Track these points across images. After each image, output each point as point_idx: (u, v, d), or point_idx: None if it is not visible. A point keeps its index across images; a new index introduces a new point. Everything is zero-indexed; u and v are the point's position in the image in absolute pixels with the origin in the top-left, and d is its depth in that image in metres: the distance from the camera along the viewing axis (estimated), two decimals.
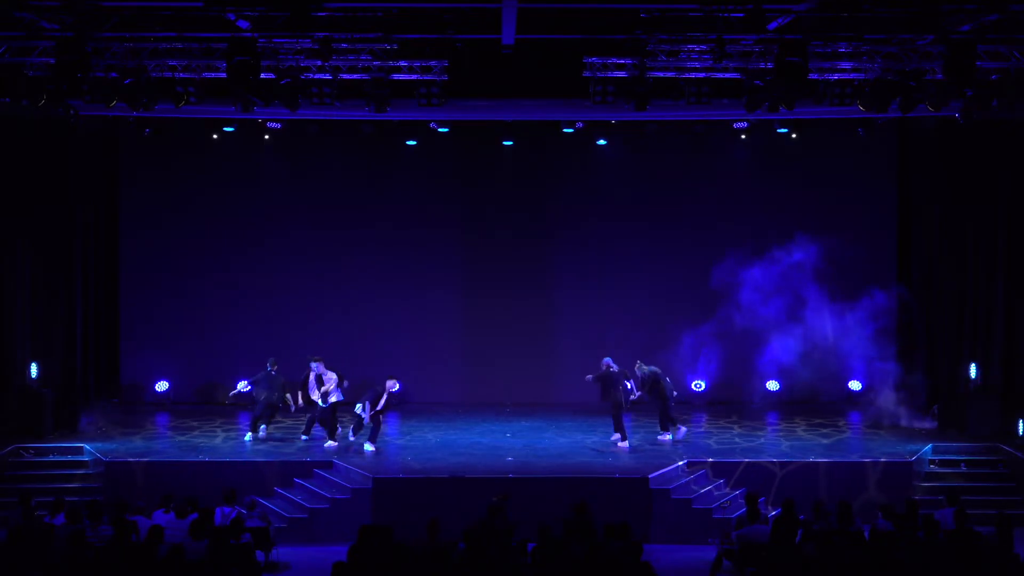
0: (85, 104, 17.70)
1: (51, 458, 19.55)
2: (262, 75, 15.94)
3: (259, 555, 15.44)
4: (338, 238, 23.85)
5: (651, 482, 17.74)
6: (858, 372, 22.09)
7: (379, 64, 17.40)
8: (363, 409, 19.33)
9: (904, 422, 21.27)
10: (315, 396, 19.99)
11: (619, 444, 19.78)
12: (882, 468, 18.67)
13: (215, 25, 15.52)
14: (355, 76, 17.71)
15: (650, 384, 19.94)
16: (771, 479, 18.51)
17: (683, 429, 20.39)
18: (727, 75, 17.54)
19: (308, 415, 20.33)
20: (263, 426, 20.34)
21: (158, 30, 15.92)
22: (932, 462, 19.41)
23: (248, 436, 20.17)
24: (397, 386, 20.07)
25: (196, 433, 20.94)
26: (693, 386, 23.65)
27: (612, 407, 19.85)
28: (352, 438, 19.77)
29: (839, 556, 12.96)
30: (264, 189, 23.82)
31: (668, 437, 20.17)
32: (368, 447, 19.34)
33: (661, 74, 17.46)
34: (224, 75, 15.95)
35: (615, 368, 19.74)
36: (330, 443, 19.77)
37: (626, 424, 19.89)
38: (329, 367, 20.03)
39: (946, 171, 22.08)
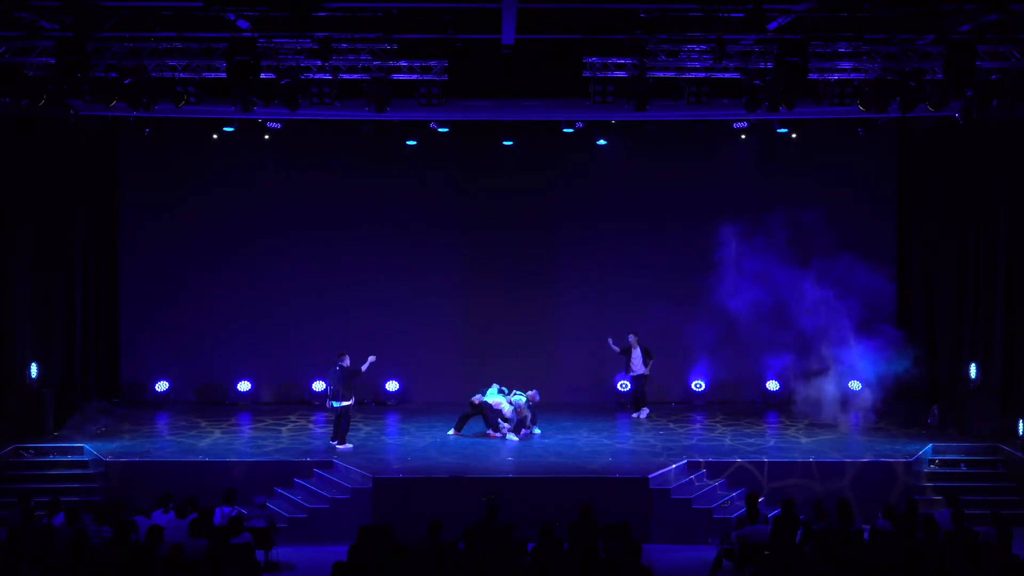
0: (85, 104, 17.71)
1: (51, 458, 19.54)
2: (262, 75, 15.95)
3: (259, 555, 15.45)
4: (338, 238, 23.83)
5: (651, 482, 17.73)
6: (857, 372, 22.06)
7: (379, 64, 17.40)
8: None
9: (903, 422, 21.26)
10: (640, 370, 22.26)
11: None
12: (882, 468, 18.67)
13: (215, 25, 15.52)
14: (355, 76, 17.71)
15: None
16: (770, 479, 18.51)
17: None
18: (727, 75, 17.54)
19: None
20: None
21: (158, 30, 15.92)
22: (932, 462, 19.40)
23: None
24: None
25: (196, 433, 20.94)
26: (693, 386, 23.66)
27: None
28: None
29: (839, 556, 12.97)
30: (264, 189, 23.79)
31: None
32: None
33: (661, 74, 17.46)
34: (224, 75, 15.96)
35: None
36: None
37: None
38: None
39: (946, 171, 22.07)
